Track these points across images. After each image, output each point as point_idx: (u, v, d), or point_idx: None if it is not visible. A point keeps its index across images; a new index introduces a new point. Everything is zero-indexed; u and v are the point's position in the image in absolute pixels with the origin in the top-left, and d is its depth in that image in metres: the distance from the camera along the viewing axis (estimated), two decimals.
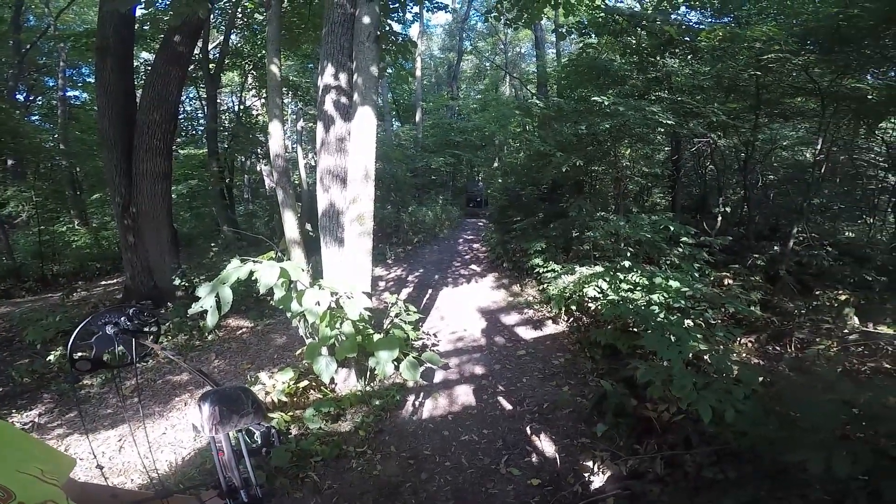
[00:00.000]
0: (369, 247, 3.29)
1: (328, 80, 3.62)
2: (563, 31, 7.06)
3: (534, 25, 13.01)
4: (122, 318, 1.09)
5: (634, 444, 2.70)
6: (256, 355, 4.60)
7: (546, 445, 2.91)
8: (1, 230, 9.02)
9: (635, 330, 3.89)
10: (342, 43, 3.60)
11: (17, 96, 12.38)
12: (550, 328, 4.98)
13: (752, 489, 1.82)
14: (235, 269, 2.06)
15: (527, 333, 4.88)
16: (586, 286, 4.38)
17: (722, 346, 3.04)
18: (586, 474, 2.57)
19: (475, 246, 10.12)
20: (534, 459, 2.79)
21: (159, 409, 3.61)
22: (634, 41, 6.66)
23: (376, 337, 3.01)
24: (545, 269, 5.66)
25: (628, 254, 4.95)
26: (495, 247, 8.23)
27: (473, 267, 8.08)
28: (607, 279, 4.29)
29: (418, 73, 17.98)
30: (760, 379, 2.45)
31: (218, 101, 11.78)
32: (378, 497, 2.53)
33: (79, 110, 13.34)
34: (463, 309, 5.78)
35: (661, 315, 3.42)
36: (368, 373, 3.52)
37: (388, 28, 5.98)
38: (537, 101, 8.57)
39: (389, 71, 9.59)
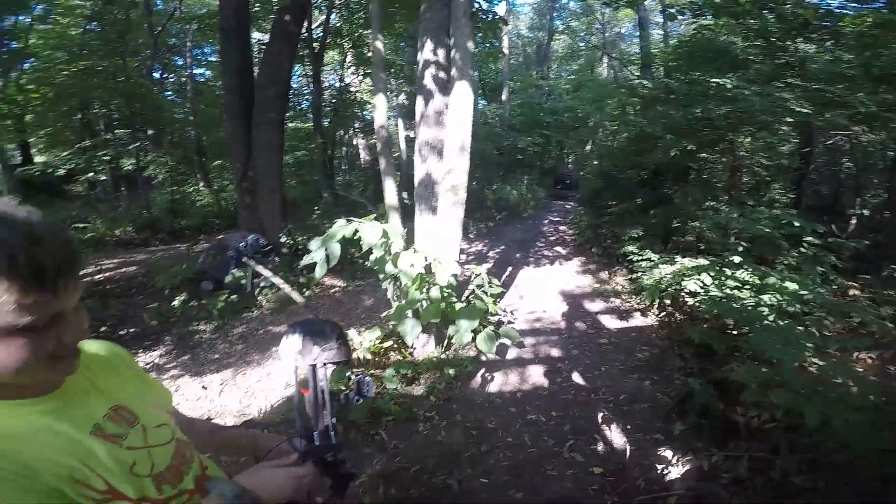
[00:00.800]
0: (461, 217, 3.38)
1: (427, 55, 3.71)
2: (674, 11, 6.44)
3: (637, 6, 12.10)
4: (242, 245, 1.17)
5: (713, 447, 2.52)
6: (346, 314, 4.97)
7: (616, 436, 2.81)
8: (143, 189, 10.79)
9: (734, 332, 3.57)
10: (440, 19, 3.65)
11: (154, 74, 14.02)
12: (638, 320, 4.73)
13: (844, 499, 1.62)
14: (342, 227, 2.25)
15: (611, 323, 4.69)
16: (686, 279, 4.07)
17: (837, 356, 2.70)
18: (661, 466, 2.45)
19: (561, 228, 9.86)
20: (600, 448, 2.72)
21: (258, 357, 3.98)
22: (759, 24, 5.86)
23: (458, 305, 3.10)
24: (640, 258, 5.35)
25: (739, 248, 4.49)
26: (584, 230, 7.94)
27: (558, 249, 7.89)
28: (712, 273, 3.95)
29: (505, 51, 17.69)
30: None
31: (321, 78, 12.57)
32: (438, 462, 2.58)
33: (203, 86, 14.98)
34: (543, 290, 5.68)
35: (771, 318, 3.10)
36: (446, 340, 3.65)
37: (478, 6, 5.92)
38: (644, 82, 7.98)
39: (477, 49, 9.57)
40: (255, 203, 6.37)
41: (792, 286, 3.38)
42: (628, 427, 2.88)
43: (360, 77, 14.32)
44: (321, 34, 11.04)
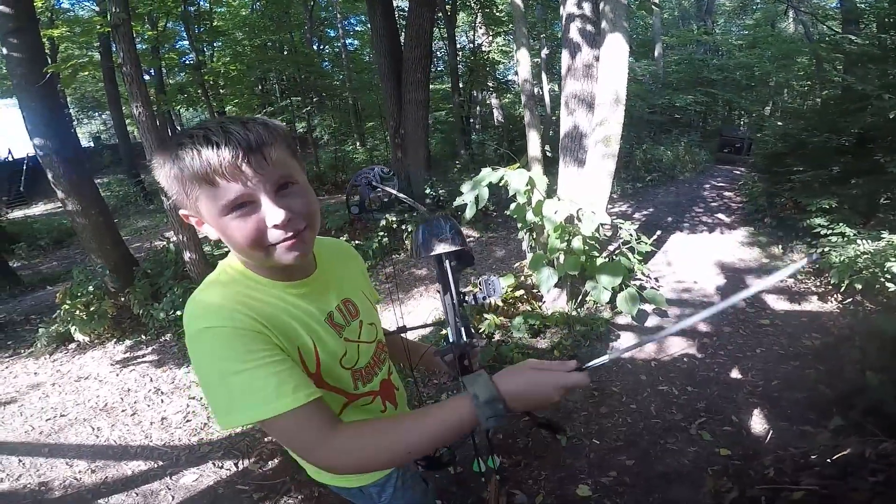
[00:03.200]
0: (612, 169, 3.27)
1: (571, 9, 3.62)
2: None
3: None
4: (372, 175, 1.32)
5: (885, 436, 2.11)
6: (478, 263, 5.21)
7: (756, 421, 2.54)
8: (311, 148, 12.51)
9: None
10: None
11: (313, 46, 15.41)
12: (813, 304, 4.04)
13: None
14: (490, 174, 2.38)
15: (777, 304, 4.09)
16: (893, 259, 3.35)
17: None
18: (802, 450, 2.15)
19: (726, 194, 8.66)
20: (735, 431, 2.48)
21: (402, 295, 4.45)
22: None
23: (600, 261, 3.04)
24: (830, 231, 4.51)
25: None
26: (756, 197, 6.88)
27: (720, 216, 6.98)
28: None
29: (657, 4, 15.61)
30: None
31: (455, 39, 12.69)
32: (552, 415, 2.58)
33: (354, 55, 16.25)
34: (697, 260, 5.16)
35: None
36: (580, 296, 3.62)
37: None
38: (851, 37, 6.57)
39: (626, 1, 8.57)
40: (405, 157, 6.95)
41: None
42: (772, 415, 2.58)
43: (491, 37, 14.11)
44: None
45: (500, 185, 2.48)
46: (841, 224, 4.52)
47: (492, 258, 5.31)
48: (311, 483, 2.25)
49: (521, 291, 3.78)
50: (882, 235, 3.90)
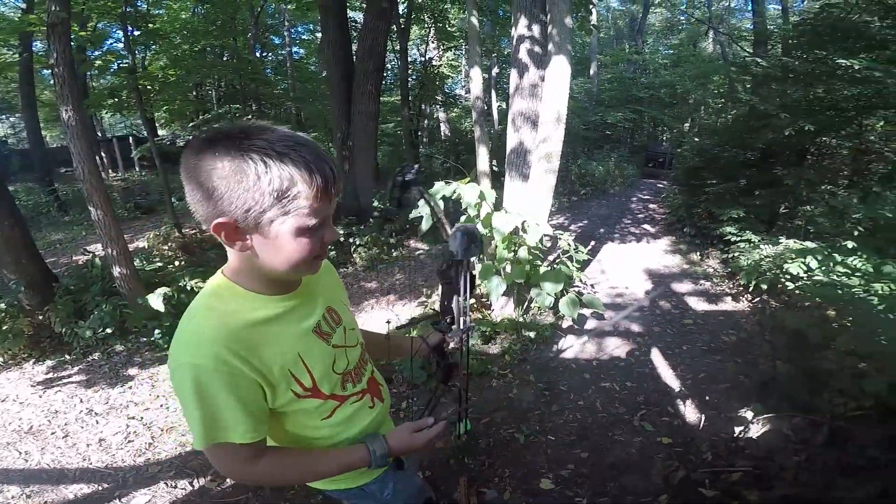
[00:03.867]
0: (552, 184, 3.49)
1: (522, 30, 3.83)
2: None
3: None
4: (408, 175, 1.53)
5: (797, 412, 2.45)
6: (430, 274, 5.32)
7: (689, 411, 2.83)
8: None
9: (835, 325, 3.33)
10: None
11: (256, 53, 14.98)
12: (728, 304, 4.54)
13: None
14: (443, 188, 2.49)
15: (698, 305, 4.55)
16: (789, 262, 3.84)
17: None
18: (738, 428, 2.46)
19: (651, 206, 9.44)
20: (672, 421, 2.75)
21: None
22: None
23: (543, 269, 3.24)
24: (739, 238, 5.07)
25: (855, 233, 4.11)
26: (677, 208, 7.57)
27: (646, 227, 7.62)
28: (819, 258, 3.68)
29: (594, 25, 16.79)
30: None
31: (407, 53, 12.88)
32: (508, 416, 2.74)
33: (299, 63, 15.96)
34: (627, 267, 5.62)
35: (882, 307, 2.87)
36: (526, 304, 3.82)
37: None
38: (758, 59, 7.39)
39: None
40: (353, 169, 6.91)
41: None
42: (702, 405, 2.88)
43: (441, 52, 14.48)
44: (406, 10, 11.31)
45: (452, 198, 2.61)
46: (747, 231, 5.10)
47: None
48: (277, 498, 2.22)
49: (472, 300, 3.92)
50: (780, 241, 4.46)
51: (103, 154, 15.30)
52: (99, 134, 17.50)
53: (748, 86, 7.77)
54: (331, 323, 0.94)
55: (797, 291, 3.70)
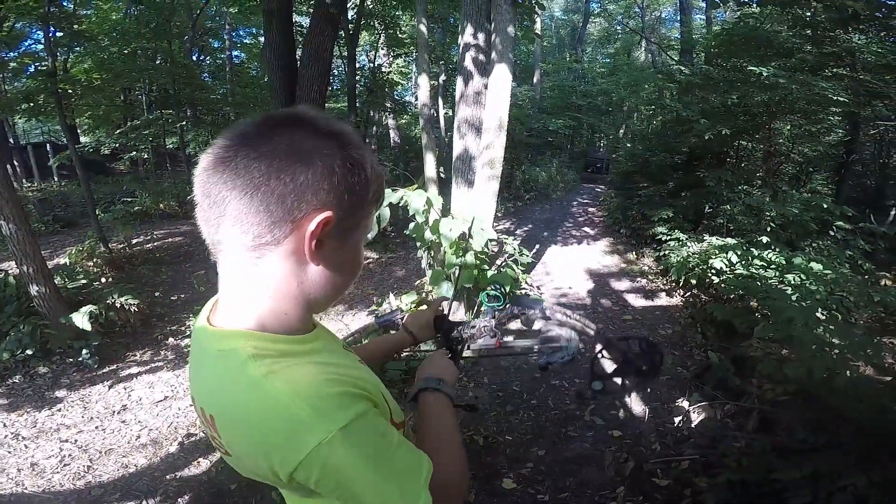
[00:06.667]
0: (496, 189, 3.59)
1: (468, 39, 3.92)
2: None
3: None
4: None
5: (727, 400, 2.68)
6: (380, 283, 5.28)
7: (635, 404, 2.98)
8: (185, 165, 11.59)
9: (757, 314, 3.66)
10: (480, 5, 3.83)
11: (193, 57, 14.28)
12: (663, 300, 4.84)
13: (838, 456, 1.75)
14: (390, 195, 2.49)
15: (636, 301, 4.83)
16: (713, 258, 4.16)
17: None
18: (677, 419, 2.62)
19: (590, 210, 9.91)
20: (620, 414, 2.89)
21: None
22: (808, 14, 5.72)
23: (490, 273, 3.32)
24: (669, 237, 5.43)
25: (768, 229, 4.53)
26: (613, 211, 8.00)
27: (586, 229, 7.98)
28: (738, 252, 4.03)
29: (538, 34, 17.54)
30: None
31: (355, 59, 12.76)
32: (465, 420, 2.74)
33: (239, 68, 15.36)
34: (570, 268, 5.85)
35: (794, 297, 3.19)
36: (476, 307, 3.89)
37: None
38: (682, 68, 7.94)
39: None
40: None
41: (817, 266, 3.45)
42: (647, 396, 3.03)
43: (391, 59, 14.43)
44: (355, 15, 11.20)
45: (399, 205, 2.62)
46: (676, 231, 5.48)
47: (392, 277, 5.41)
48: None
49: (424, 307, 3.92)
50: (704, 238, 4.83)
51: (16, 162, 13.88)
52: (11, 140, 15.85)
53: (675, 93, 8.23)
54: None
55: (722, 285, 4.02)
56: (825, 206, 4.11)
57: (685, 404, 2.74)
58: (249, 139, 0.52)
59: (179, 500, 2.29)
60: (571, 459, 2.50)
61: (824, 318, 2.87)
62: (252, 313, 0.56)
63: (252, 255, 0.54)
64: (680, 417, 2.70)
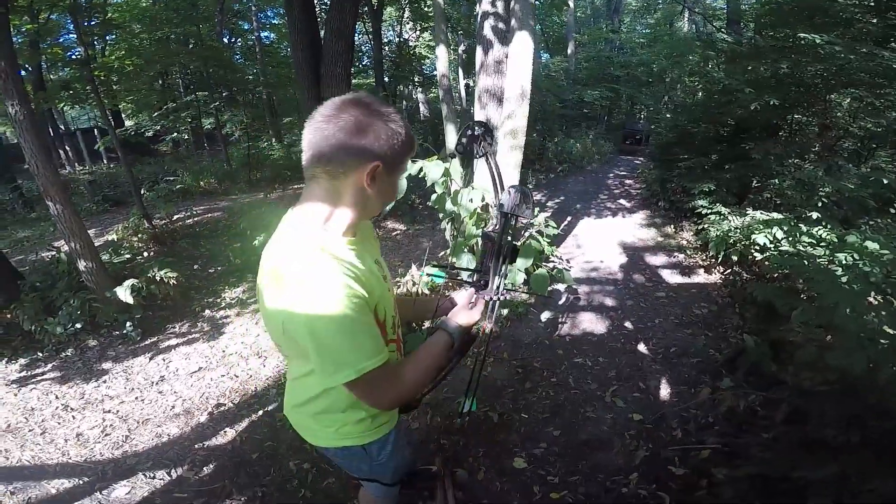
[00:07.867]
0: (519, 160, 3.48)
1: (486, 7, 3.82)
2: None
3: None
4: (470, 132, 1.60)
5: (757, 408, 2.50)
6: (406, 254, 5.29)
7: (661, 387, 2.86)
8: (222, 145, 11.92)
9: (803, 296, 3.40)
10: None
11: (223, 39, 14.51)
12: (700, 277, 4.61)
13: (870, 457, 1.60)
14: (409, 166, 2.45)
15: (671, 277, 4.62)
16: (757, 233, 3.87)
17: None
18: (696, 410, 2.50)
19: (627, 182, 9.53)
20: (643, 396, 2.77)
21: None
22: None
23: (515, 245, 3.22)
24: (710, 210, 5.13)
25: (819, 205, 4.17)
26: (652, 183, 7.66)
27: (622, 202, 7.69)
28: (785, 228, 3.73)
29: (571, 4, 16.95)
30: None
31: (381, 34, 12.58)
32: (481, 394, 2.71)
33: (269, 48, 15.56)
34: (602, 241, 5.66)
35: (844, 279, 2.92)
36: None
37: None
38: (725, 37, 7.41)
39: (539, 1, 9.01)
40: None
41: (873, 246, 3.15)
42: (673, 380, 2.91)
43: (418, 32, 14.15)
44: None
45: (420, 176, 2.59)
46: (718, 204, 5.16)
47: (419, 249, 5.40)
48: (252, 484, 2.23)
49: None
50: (747, 212, 4.52)
51: (67, 147, 14.73)
52: (62, 127, 16.80)
53: (718, 63, 7.74)
54: (382, 267, 1.07)
55: (766, 262, 3.76)
56: (885, 181, 3.71)
57: (709, 391, 2.60)
58: (331, 116, 0.86)
59: (205, 468, 2.39)
60: (587, 442, 2.43)
61: (877, 303, 2.61)
62: (323, 214, 0.93)
63: (330, 178, 0.90)
64: (708, 403, 2.57)
